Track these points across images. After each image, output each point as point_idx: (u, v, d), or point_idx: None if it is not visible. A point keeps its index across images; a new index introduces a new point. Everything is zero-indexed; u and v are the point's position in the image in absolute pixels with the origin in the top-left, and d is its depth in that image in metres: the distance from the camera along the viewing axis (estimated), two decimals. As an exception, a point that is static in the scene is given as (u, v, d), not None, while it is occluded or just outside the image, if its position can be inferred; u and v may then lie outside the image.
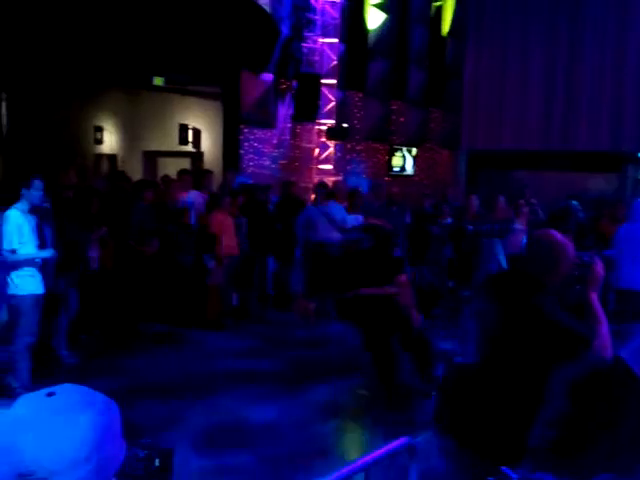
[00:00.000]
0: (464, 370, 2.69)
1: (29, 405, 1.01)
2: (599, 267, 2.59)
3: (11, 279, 4.86)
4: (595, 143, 13.94)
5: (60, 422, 0.98)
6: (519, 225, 7.87)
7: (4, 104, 12.52)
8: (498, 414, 2.54)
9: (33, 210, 5.10)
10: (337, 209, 8.09)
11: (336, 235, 7.89)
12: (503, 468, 2.55)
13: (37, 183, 5.04)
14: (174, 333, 7.06)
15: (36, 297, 5.02)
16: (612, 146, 13.92)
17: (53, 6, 8.26)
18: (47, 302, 5.33)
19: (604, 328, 2.49)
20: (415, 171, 14.82)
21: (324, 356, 6.52)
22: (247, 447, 4.38)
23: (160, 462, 1.22)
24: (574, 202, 8.78)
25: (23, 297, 4.91)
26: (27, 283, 4.94)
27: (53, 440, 0.97)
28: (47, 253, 5.12)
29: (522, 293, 2.56)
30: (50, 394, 1.02)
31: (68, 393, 1.04)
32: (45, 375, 5.40)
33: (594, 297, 2.54)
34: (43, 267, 5.14)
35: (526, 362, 2.49)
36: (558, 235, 2.66)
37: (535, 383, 2.53)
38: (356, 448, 4.63)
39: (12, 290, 4.86)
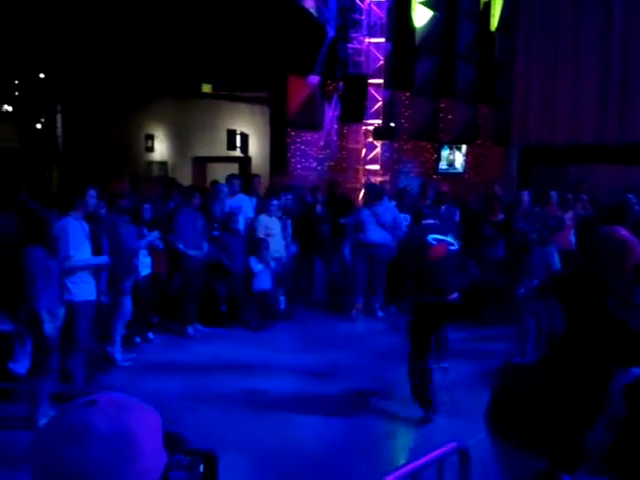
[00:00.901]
0: (523, 371, 2.61)
1: (71, 414, 1.00)
2: None
3: (66, 285, 4.99)
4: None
5: (101, 431, 0.97)
6: (568, 220, 7.66)
7: (60, 116, 12.97)
8: (558, 417, 2.45)
9: (88, 218, 5.24)
10: (387, 209, 8.00)
11: (386, 236, 7.81)
12: (562, 475, 2.46)
13: (91, 191, 5.18)
14: (222, 336, 7.13)
15: (90, 303, 5.14)
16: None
17: (104, 20, 8.49)
18: (101, 307, 5.47)
19: None
20: (465, 169, 14.59)
21: (369, 355, 6.48)
22: (289, 451, 4.37)
23: (205, 468, 1.20)
24: (630, 195, 8.46)
25: (77, 303, 5.03)
26: (81, 289, 5.07)
27: (95, 449, 0.96)
28: (101, 260, 5.25)
29: (588, 294, 2.46)
30: (91, 402, 1.01)
31: (109, 402, 1.03)
32: (100, 379, 5.55)
33: None
34: (97, 273, 5.26)
35: (591, 364, 2.39)
36: (626, 233, 2.54)
37: (598, 385, 2.43)
38: (405, 452, 4.55)
39: (67, 296, 4.99)
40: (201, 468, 1.18)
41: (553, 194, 7.87)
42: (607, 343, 2.36)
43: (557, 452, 2.45)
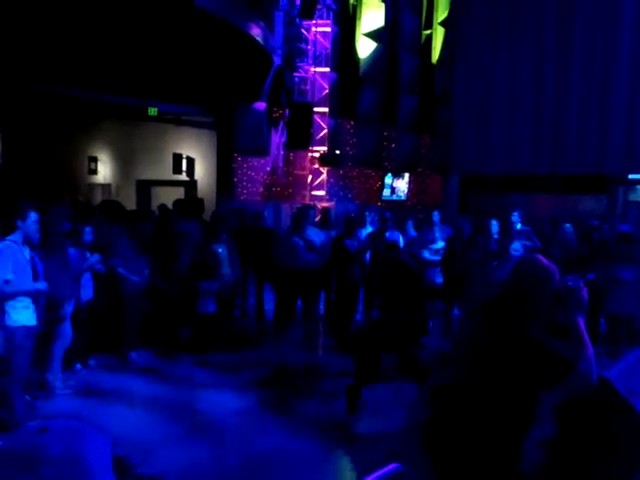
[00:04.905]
0: (447, 392, 2.72)
1: (23, 440, 1.02)
2: (583, 292, 2.62)
3: (4, 311, 4.87)
4: (583, 166, 14.13)
5: (54, 456, 1.00)
6: (515, 251, 7.88)
7: (-1, 136, 12.63)
8: (484, 437, 2.56)
9: (27, 242, 5.13)
10: (315, 233, 8.15)
11: (315, 259, 7.95)
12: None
13: (32, 215, 5.08)
14: (165, 361, 7.05)
15: (29, 329, 5.02)
16: (599, 168, 14.13)
17: (48, 39, 8.39)
18: (40, 333, 5.34)
19: (589, 352, 2.53)
20: (408, 196, 14.97)
21: (313, 377, 6.55)
22: (229, 477, 4.38)
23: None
24: (567, 225, 8.85)
25: (16, 329, 4.90)
26: (20, 315, 4.95)
27: (48, 474, 0.98)
28: (41, 285, 5.14)
29: (508, 317, 2.60)
30: (43, 429, 1.03)
31: (61, 428, 1.05)
32: (39, 406, 5.40)
33: (580, 321, 2.58)
34: (36, 299, 5.15)
35: (512, 385, 2.52)
36: (543, 260, 2.70)
37: (522, 406, 2.55)
38: (344, 475, 4.61)
39: (5, 322, 4.86)
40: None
41: (493, 222, 8.13)
42: (527, 366, 2.49)
43: (486, 471, 2.57)
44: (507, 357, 2.50)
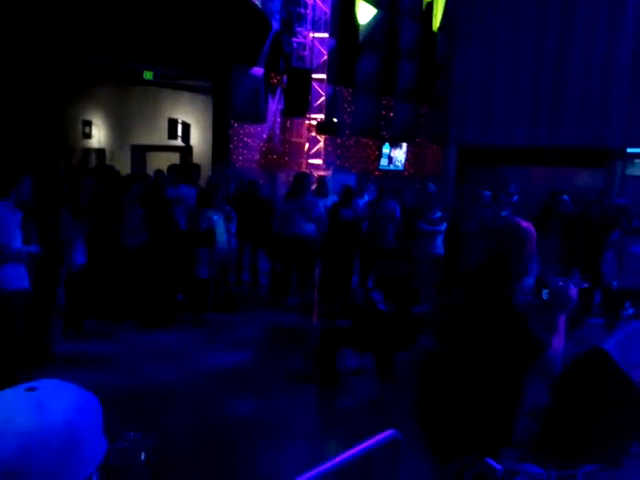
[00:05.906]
0: (436, 361, 2.70)
1: (8, 401, 0.99)
2: (573, 292, 2.55)
3: (-2, 274, 4.82)
4: (581, 139, 14.05)
5: (40, 418, 0.97)
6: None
7: (-9, 98, 12.41)
8: (474, 406, 2.54)
9: (20, 205, 5.07)
10: (313, 203, 8.10)
11: (311, 227, 7.92)
12: (487, 459, 2.56)
13: (25, 179, 5.01)
14: (161, 326, 7.06)
15: (22, 292, 4.98)
16: (598, 142, 14.04)
17: (42, 2, 8.19)
18: (33, 297, 5.31)
19: (561, 344, 2.47)
20: (405, 166, 14.87)
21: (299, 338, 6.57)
22: (227, 442, 4.39)
23: (146, 455, 1.21)
24: (565, 196, 8.81)
25: (10, 292, 4.87)
26: (13, 278, 4.91)
27: (32, 437, 0.95)
28: (33, 248, 5.09)
29: (488, 284, 2.54)
30: (30, 389, 1.01)
31: (48, 388, 1.02)
32: (34, 370, 5.40)
33: (562, 319, 2.52)
34: (28, 262, 5.10)
35: (495, 355, 2.48)
36: (521, 221, 2.64)
37: (508, 375, 2.50)
38: (340, 441, 4.64)
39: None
40: (143, 455, 1.19)
41: (486, 194, 8.09)
42: (503, 335, 2.44)
43: (477, 437, 2.56)
44: (488, 326, 2.46)
